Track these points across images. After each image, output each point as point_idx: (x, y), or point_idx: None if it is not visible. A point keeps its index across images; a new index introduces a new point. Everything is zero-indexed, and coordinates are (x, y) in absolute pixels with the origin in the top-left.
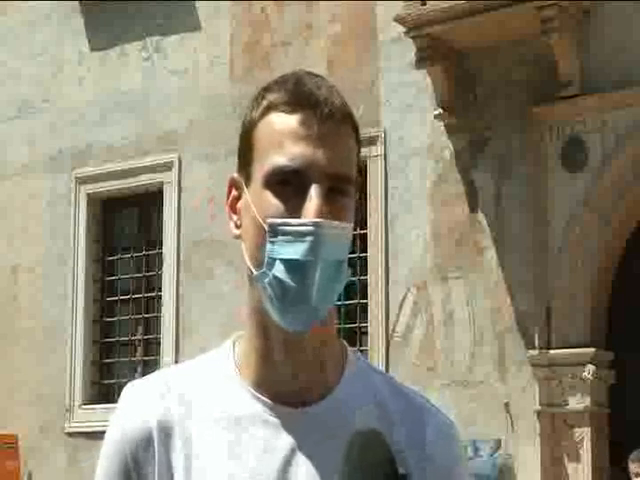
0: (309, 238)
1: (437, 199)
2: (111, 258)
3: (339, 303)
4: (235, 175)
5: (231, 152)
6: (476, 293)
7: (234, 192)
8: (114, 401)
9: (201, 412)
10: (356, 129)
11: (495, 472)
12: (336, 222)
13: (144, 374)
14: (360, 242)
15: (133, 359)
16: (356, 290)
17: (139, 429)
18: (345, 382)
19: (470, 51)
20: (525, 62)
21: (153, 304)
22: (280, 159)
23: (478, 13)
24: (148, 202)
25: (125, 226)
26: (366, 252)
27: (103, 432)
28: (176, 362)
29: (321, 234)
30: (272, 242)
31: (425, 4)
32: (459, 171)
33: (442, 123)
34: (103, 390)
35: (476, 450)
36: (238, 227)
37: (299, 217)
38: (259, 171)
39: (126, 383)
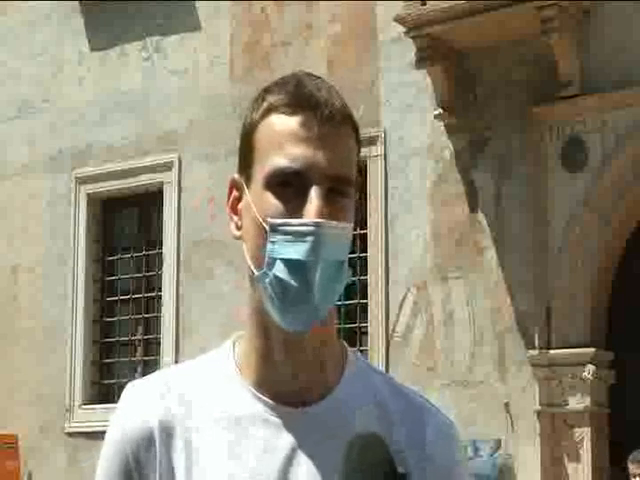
0: (310, 238)
1: (437, 199)
2: (111, 258)
3: (339, 303)
4: (236, 176)
5: (231, 152)
6: (476, 293)
7: (235, 193)
8: (114, 401)
9: (201, 412)
10: (356, 130)
11: (495, 472)
12: (336, 222)
13: (144, 374)
14: (360, 242)
15: (133, 359)
16: (356, 290)
17: (140, 429)
18: (345, 382)
19: (470, 51)
20: (525, 62)
21: (153, 304)
22: (281, 160)
23: (478, 13)
24: (148, 202)
25: (125, 226)
26: (366, 252)
27: (103, 432)
28: (176, 362)
29: (321, 234)
30: (273, 242)
31: (425, 4)
32: (459, 171)
33: (442, 123)
34: (103, 390)
35: (476, 450)
36: (239, 228)
37: (300, 218)
38: (260, 172)
39: (126, 383)
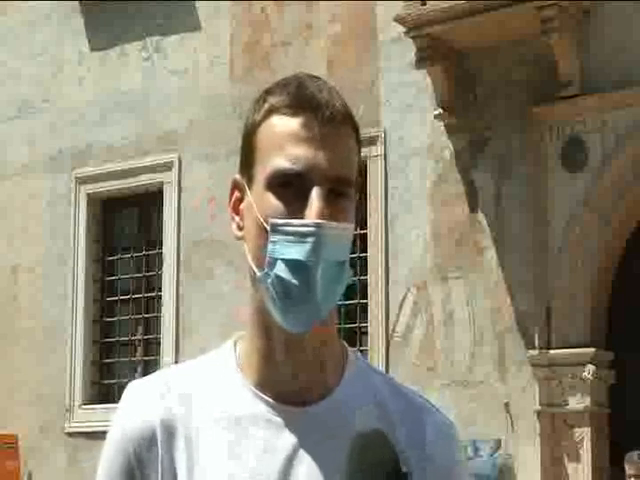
0: (310, 239)
1: (437, 199)
2: (111, 258)
3: (339, 303)
4: (237, 177)
5: (231, 152)
6: (476, 293)
7: (236, 194)
8: (114, 401)
9: (201, 412)
10: (357, 131)
11: (495, 472)
12: (337, 223)
13: (144, 374)
14: (360, 242)
15: (133, 359)
16: (356, 290)
17: (141, 428)
18: (345, 382)
19: (470, 51)
20: (525, 62)
21: (153, 304)
22: (282, 161)
23: (478, 13)
24: (148, 202)
25: (125, 226)
26: (366, 252)
27: (103, 432)
28: (176, 362)
29: (322, 235)
30: (274, 242)
31: (425, 4)
32: (459, 171)
33: (442, 123)
34: (103, 390)
35: (476, 450)
36: (240, 228)
37: (301, 218)
38: (261, 173)
39: (126, 383)
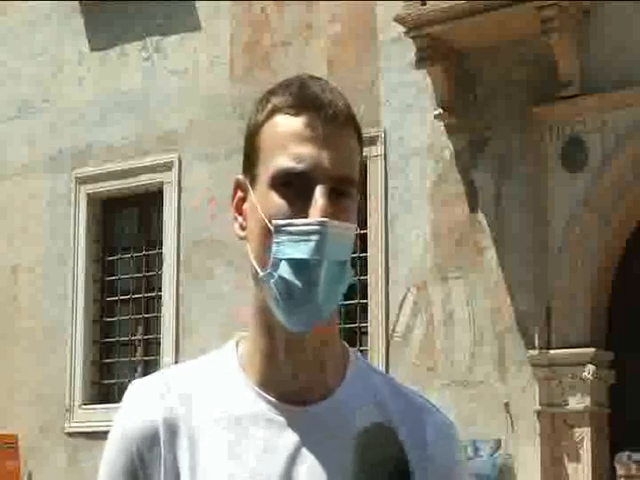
0: (314, 237)
1: (437, 199)
2: (111, 258)
3: (339, 303)
4: (240, 177)
5: (231, 152)
6: (476, 293)
7: (239, 194)
8: (114, 401)
9: (201, 412)
10: (359, 131)
11: (495, 472)
12: (340, 222)
13: (144, 374)
14: (360, 242)
15: (133, 359)
16: (356, 290)
17: (143, 428)
18: (346, 383)
19: (470, 51)
20: (525, 62)
21: (153, 304)
22: (285, 161)
23: (478, 13)
24: (148, 202)
25: (125, 226)
26: (366, 252)
27: (103, 432)
28: (176, 362)
29: (326, 233)
30: (277, 242)
31: (425, 4)
32: (459, 171)
33: (442, 123)
34: (103, 390)
35: (476, 450)
36: (243, 228)
37: (304, 218)
38: (264, 173)
39: (126, 383)
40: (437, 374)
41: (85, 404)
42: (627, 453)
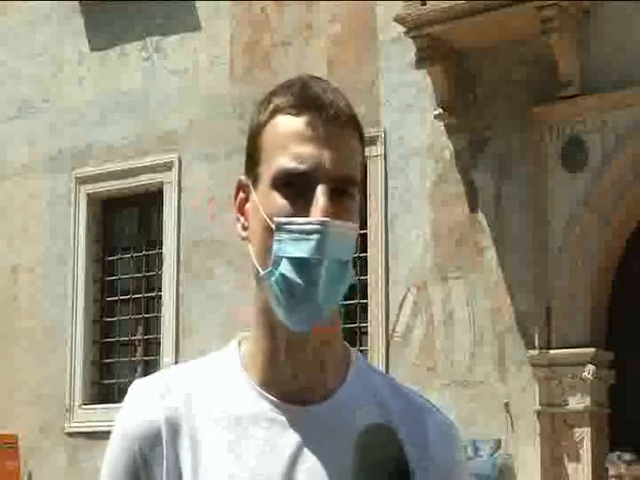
0: (315, 236)
1: (437, 199)
2: (111, 258)
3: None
4: (242, 177)
5: (231, 152)
6: (476, 293)
7: (241, 194)
8: (114, 401)
9: (201, 412)
10: (360, 131)
11: (495, 472)
12: (342, 222)
13: (144, 374)
14: (360, 242)
15: (133, 359)
16: (356, 290)
17: (145, 427)
18: (347, 383)
19: (470, 51)
20: (525, 62)
21: (153, 304)
22: (287, 161)
23: (478, 13)
24: (148, 202)
25: (125, 226)
26: (366, 252)
27: (103, 432)
28: (176, 362)
29: (327, 232)
30: (279, 241)
31: (425, 4)
32: (459, 171)
33: (442, 123)
34: (103, 390)
35: (476, 450)
36: (245, 229)
37: (306, 217)
38: (266, 173)
39: (126, 383)
40: (437, 374)
41: (85, 404)
42: (617, 453)
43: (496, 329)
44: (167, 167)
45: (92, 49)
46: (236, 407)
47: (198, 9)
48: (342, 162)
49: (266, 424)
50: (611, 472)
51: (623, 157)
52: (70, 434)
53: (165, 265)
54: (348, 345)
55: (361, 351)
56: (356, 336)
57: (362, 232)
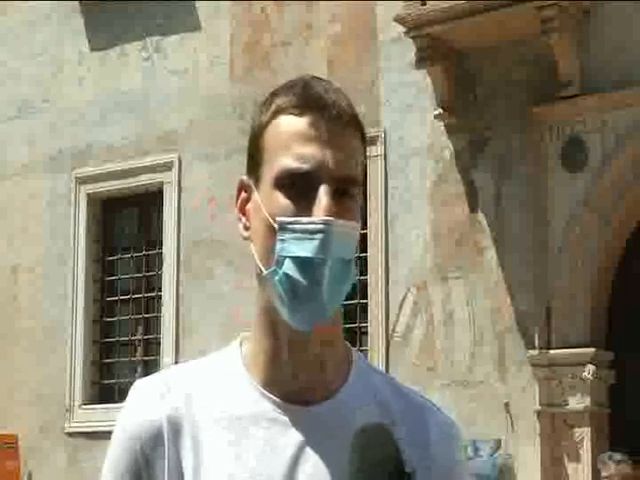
0: (319, 236)
1: (437, 199)
2: (111, 258)
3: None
4: (244, 177)
5: (231, 152)
6: (476, 293)
7: (243, 194)
8: (114, 401)
9: (202, 412)
10: (362, 131)
11: (495, 472)
12: (345, 221)
13: (144, 374)
14: (360, 242)
15: (133, 359)
16: (356, 290)
17: (146, 427)
18: (348, 383)
19: (470, 51)
20: (525, 62)
21: (153, 304)
22: (290, 161)
23: (478, 13)
24: (148, 202)
25: (125, 226)
26: (366, 252)
27: (103, 432)
28: (176, 362)
29: (331, 232)
30: (282, 240)
31: (425, 4)
32: (459, 171)
33: (442, 123)
34: (103, 390)
35: (476, 450)
36: (247, 229)
37: (309, 217)
38: (269, 173)
39: (126, 383)
40: (437, 374)
41: (85, 404)
42: (609, 453)
43: (496, 329)
44: (167, 167)
45: (92, 49)
46: (236, 407)
47: (198, 9)
48: (344, 162)
49: (266, 424)
50: (603, 473)
51: (623, 157)
52: (70, 434)
53: (165, 265)
54: (349, 345)
55: (361, 351)
56: (356, 336)
57: (362, 232)
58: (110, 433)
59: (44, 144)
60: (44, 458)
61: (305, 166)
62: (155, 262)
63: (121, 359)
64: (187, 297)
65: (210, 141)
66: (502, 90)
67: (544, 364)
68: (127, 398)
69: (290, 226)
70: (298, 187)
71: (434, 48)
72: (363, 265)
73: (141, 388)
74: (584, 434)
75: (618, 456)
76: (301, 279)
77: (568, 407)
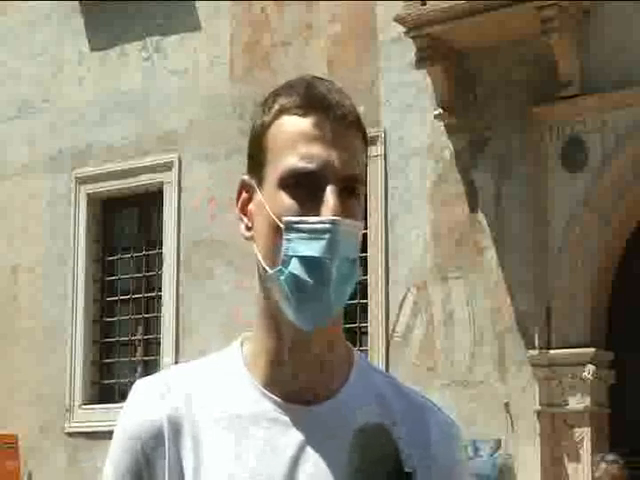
0: (326, 235)
1: (437, 199)
2: (111, 258)
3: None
4: (245, 177)
5: (231, 152)
6: (476, 293)
7: (244, 194)
8: (114, 401)
9: (202, 412)
10: (364, 131)
11: (495, 472)
12: (351, 220)
13: (144, 374)
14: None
15: (133, 359)
16: (356, 290)
17: (146, 426)
18: (349, 383)
19: (470, 51)
20: (525, 62)
21: (153, 304)
22: (295, 161)
23: (478, 13)
24: (148, 202)
25: (125, 226)
26: (366, 252)
27: (103, 432)
28: (176, 362)
29: (338, 231)
30: (288, 240)
31: (425, 4)
32: (459, 171)
33: (442, 123)
34: (103, 390)
35: (476, 450)
36: (249, 229)
37: (316, 216)
38: (273, 173)
39: (126, 383)
40: (437, 374)
41: (85, 404)
42: (602, 454)
43: (496, 329)
44: (167, 167)
45: (92, 49)
46: (237, 407)
47: (198, 9)
48: (349, 162)
49: (267, 424)
50: (596, 474)
51: (623, 157)
52: (70, 434)
53: (165, 265)
54: (350, 345)
55: (361, 351)
56: (356, 336)
57: (362, 232)
58: (110, 433)
59: (44, 144)
60: (44, 458)
61: (311, 166)
62: (155, 262)
63: (121, 359)
64: (187, 297)
65: (210, 141)
66: (502, 90)
67: (544, 364)
68: (127, 398)
69: (297, 226)
70: (303, 187)
71: (434, 48)
72: (363, 265)
73: (141, 388)
74: (584, 434)
75: (611, 456)
76: (308, 279)
77: (568, 407)
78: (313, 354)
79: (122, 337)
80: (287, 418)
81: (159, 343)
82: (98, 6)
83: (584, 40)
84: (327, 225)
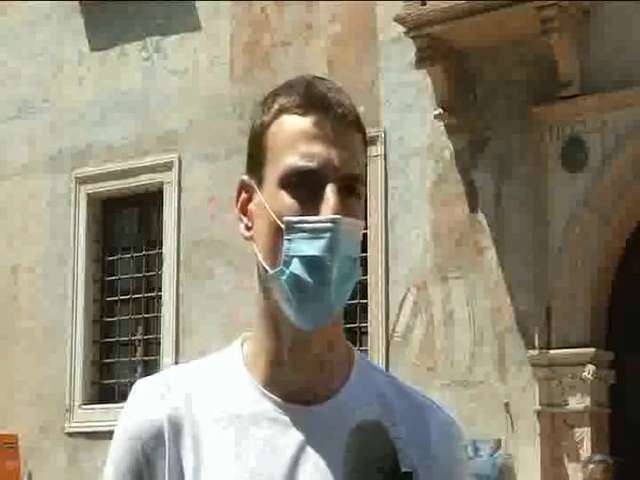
0: (327, 235)
1: (437, 199)
2: (111, 258)
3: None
4: (245, 177)
5: (231, 152)
6: (476, 293)
7: (244, 194)
8: (114, 401)
9: (202, 412)
10: (363, 131)
11: (495, 472)
12: (351, 219)
13: (144, 374)
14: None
15: (133, 359)
16: (356, 290)
17: (147, 426)
18: (350, 383)
19: (470, 51)
20: (525, 62)
21: (153, 304)
22: (296, 160)
23: (478, 13)
24: (148, 202)
25: (125, 226)
26: (366, 252)
27: (103, 432)
28: (176, 362)
29: (339, 230)
30: (289, 240)
31: (425, 4)
32: (459, 171)
33: (442, 123)
34: (103, 390)
35: (476, 450)
36: (249, 229)
37: (316, 215)
38: (273, 172)
39: (126, 383)
40: (437, 374)
41: (85, 404)
42: (589, 455)
43: (496, 329)
44: (167, 167)
45: (92, 49)
46: (237, 407)
47: (198, 9)
48: (349, 161)
49: (267, 424)
50: (579, 474)
51: (623, 157)
52: (70, 434)
53: (165, 265)
54: (351, 345)
55: (361, 351)
56: (356, 336)
57: (362, 232)
58: (110, 433)
59: (44, 144)
60: (44, 458)
61: (312, 164)
62: (155, 262)
63: (121, 359)
64: (187, 297)
65: (210, 141)
66: (502, 90)
67: (544, 364)
68: (128, 398)
69: (298, 225)
70: (303, 186)
71: (434, 48)
72: (363, 265)
73: (141, 388)
74: (584, 434)
75: (598, 457)
76: (309, 279)
77: (568, 407)
78: (313, 354)
79: (122, 337)
80: (287, 418)
81: (159, 343)
82: (98, 6)
83: (584, 40)
84: (328, 224)
